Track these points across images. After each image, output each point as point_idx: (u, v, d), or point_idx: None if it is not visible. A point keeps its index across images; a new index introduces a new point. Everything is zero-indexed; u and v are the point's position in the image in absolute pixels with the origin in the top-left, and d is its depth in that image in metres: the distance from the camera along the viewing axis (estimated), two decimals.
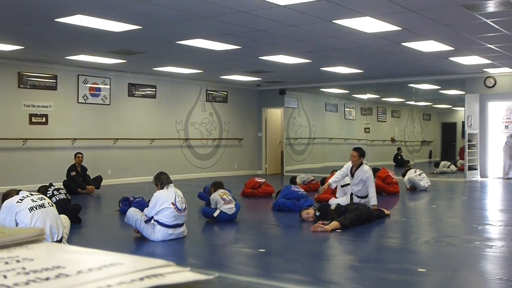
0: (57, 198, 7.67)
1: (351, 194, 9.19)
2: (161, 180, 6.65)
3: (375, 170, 12.50)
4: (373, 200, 8.68)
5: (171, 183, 6.69)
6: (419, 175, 12.51)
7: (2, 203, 5.50)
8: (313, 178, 12.75)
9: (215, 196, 8.08)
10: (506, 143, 15.24)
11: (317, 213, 7.69)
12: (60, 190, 8.05)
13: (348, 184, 9.39)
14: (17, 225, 5.16)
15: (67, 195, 8.14)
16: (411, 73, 15.44)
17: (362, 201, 8.86)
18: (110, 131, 14.71)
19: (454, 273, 5.02)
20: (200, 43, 10.49)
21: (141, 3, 7.47)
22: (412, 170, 12.67)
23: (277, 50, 11.43)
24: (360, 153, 9.17)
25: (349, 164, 9.23)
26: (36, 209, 5.30)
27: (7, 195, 5.66)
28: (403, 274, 4.96)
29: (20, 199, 5.33)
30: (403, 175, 13.11)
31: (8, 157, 12.62)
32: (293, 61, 12.86)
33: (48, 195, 7.57)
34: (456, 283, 4.76)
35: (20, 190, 5.68)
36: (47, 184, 8.45)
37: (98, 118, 14.45)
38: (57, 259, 0.81)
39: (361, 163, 9.19)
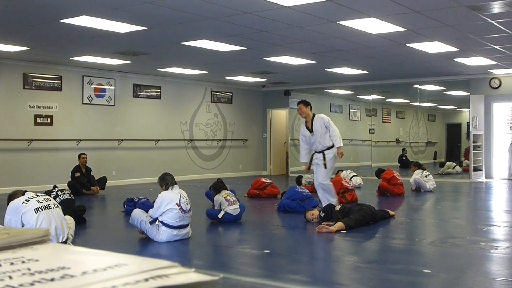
0: (61, 199, 7.67)
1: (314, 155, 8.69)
2: (166, 181, 6.66)
3: (380, 171, 12.51)
4: (337, 142, 8.42)
5: (175, 184, 6.69)
6: (426, 176, 12.46)
7: (8, 204, 5.51)
8: None
9: (219, 197, 8.07)
10: (511, 144, 15.20)
11: (322, 214, 7.68)
12: (64, 191, 8.05)
13: None
14: (23, 226, 5.18)
15: (71, 195, 8.14)
16: (416, 74, 15.41)
17: (328, 152, 8.54)
18: (115, 132, 14.73)
19: (459, 274, 5.01)
20: (205, 44, 10.50)
21: (146, 4, 7.48)
22: (419, 171, 12.57)
23: (282, 51, 11.43)
24: (304, 103, 8.64)
25: (302, 127, 8.76)
26: (42, 210, 5.31)
27: (13, 196, 5.67)
28: (408, 275, 4.95)
29: (25, 200, 5.34)
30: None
31: (13, 158, 12.64)
32: (298, 62, 12.86)
33: (52, 195, 7.58)
34: (461, 284, 4.75)
35: (26, 191, 5.69)
36: (51, 189, 8.47)
37: (103, 119, 14.48)
38: (62, 260, 0.81)
39: (314, 115, 8.66)
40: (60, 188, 8.14)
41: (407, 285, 4.71)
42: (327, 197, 8.58)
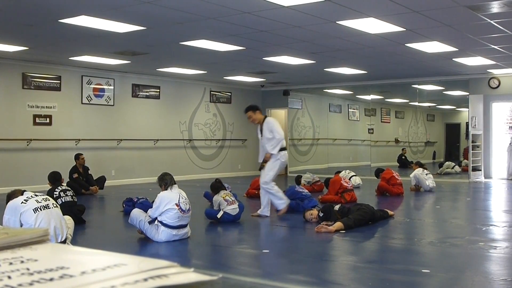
0: (63, 200, 7.68)
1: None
2: (165, 181, 6.65)
3: (379, 170, 12.51)
4: (272, 147, 8.38)
5: (175, 184, 6.69)
6: (426, 174, 12.49)
7: (7, 203, 5.51)
8: (318, 179, 12.73)
9: (218, 198, 8.07)
10: (510, 144, 15.21)
11: (321, 214, 7.68)
12: (67, 192, 8.02)
13: None
14: (21, 226, 5.17)
15: (74, 197, 8.11)
16: (415, 74, 15.41)
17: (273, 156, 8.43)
18: (114, 131, 14.73)
19: (458, 274, 5.01)
20: (204, 44, 10.50)
21: (145, 4, 7.47)
22: (420, 169, 12.60)
23: (281, 51, 11.43)
24: (252, 109, 8.67)
25: (257, 128, 8.81)
26: (41, 210, 5.30)
27: (12, 195, 5.66)
28: (407, 275, 4.95)
29: (24, 200, 5.33)
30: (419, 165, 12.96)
31: (12, 158, 12.64)
32: (297, 62, 12.86)
33: (55, 195, 7.59)
34: (460, 284, 4.75)
35: (25, 191, 5.68)
36: (57, 171, 8.48)
37: (102, 119, 14.47)
38: (61, 259, 0.81)
39: (265, 117, 8.72)
40: (64, 189, 8.11)
41: (406, 285, 4.71)
42: (273, 200, 8.55)
